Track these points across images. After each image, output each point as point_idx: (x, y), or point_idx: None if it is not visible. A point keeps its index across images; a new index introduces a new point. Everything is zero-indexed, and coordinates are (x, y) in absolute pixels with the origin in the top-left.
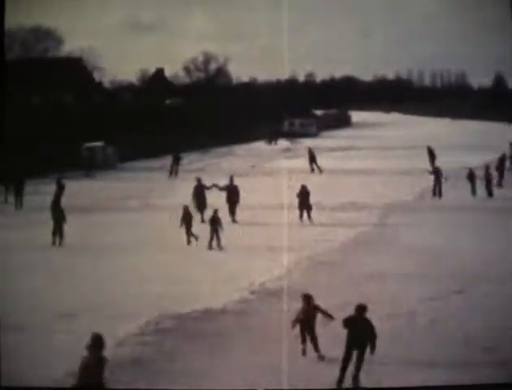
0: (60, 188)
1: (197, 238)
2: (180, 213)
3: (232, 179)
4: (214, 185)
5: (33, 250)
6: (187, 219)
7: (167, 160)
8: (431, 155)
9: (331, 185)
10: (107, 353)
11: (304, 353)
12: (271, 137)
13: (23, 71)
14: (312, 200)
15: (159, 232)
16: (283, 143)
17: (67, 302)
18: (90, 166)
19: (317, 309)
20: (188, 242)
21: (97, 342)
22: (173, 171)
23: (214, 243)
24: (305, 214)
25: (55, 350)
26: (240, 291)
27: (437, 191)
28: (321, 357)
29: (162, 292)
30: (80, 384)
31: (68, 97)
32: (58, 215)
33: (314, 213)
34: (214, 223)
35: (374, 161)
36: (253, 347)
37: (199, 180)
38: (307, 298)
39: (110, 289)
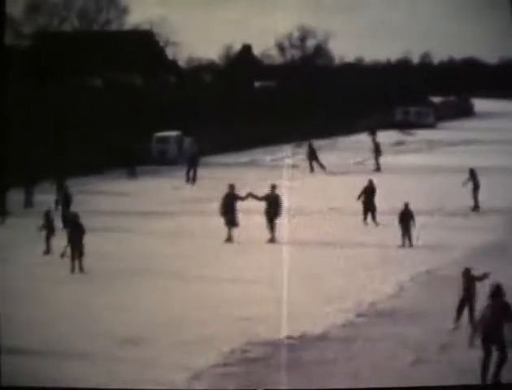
0: (67, 199)
1: (63, 254)
2: None
3: (273, 187)
4: (251, 195)
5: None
6: (48, 226)
7: (255, 154)
8: (377, 150)
9: (450, 185)
10: (180, 387)
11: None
12: (375, 128)
13: (81, 47)
14: (429, 204)
15: (246, 242)
16: (388, 135)
17: (130, 326)
18: (163, 161)
19: (476, 278)
20: (47, 252)
21: (498, 291)
22: (190, 176)
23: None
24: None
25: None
26: (344, 312)
27: None
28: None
29: (249, 313)
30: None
31: (136, 78)
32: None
33: (432, 219)
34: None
35: (500, 158)
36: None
37: (231, 187)
38: (467, 272)
39: (185, 310)
